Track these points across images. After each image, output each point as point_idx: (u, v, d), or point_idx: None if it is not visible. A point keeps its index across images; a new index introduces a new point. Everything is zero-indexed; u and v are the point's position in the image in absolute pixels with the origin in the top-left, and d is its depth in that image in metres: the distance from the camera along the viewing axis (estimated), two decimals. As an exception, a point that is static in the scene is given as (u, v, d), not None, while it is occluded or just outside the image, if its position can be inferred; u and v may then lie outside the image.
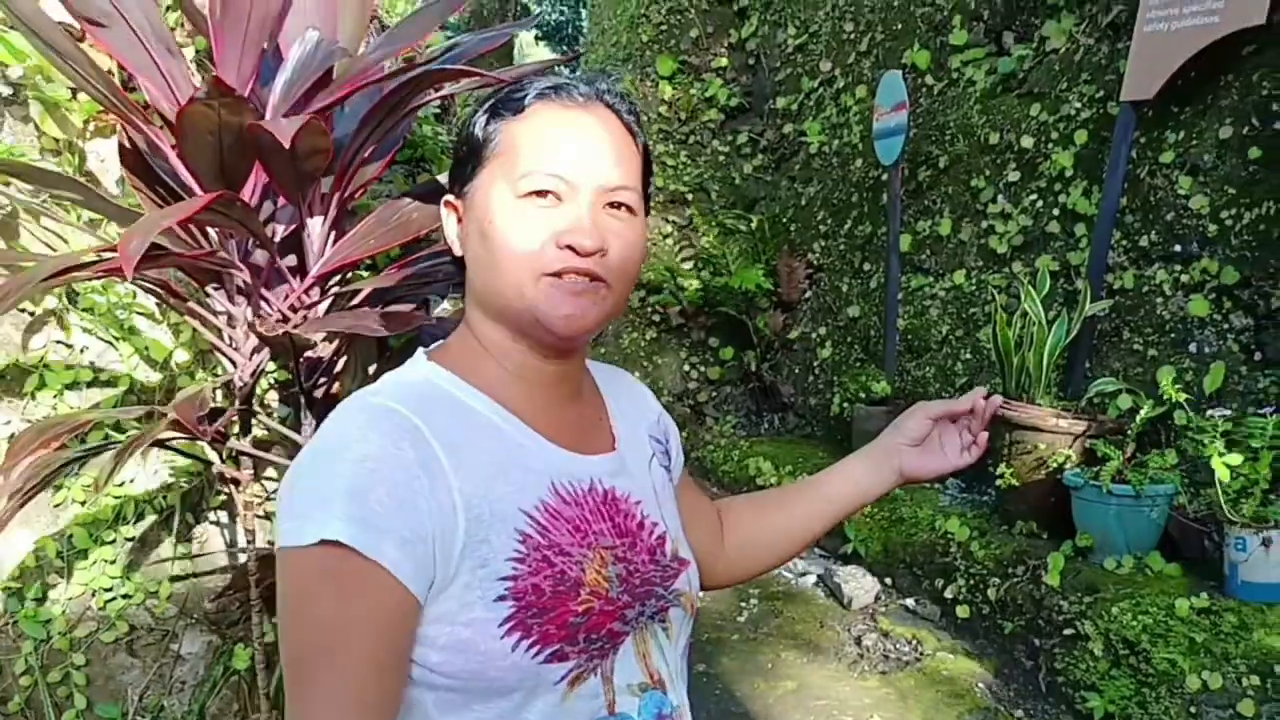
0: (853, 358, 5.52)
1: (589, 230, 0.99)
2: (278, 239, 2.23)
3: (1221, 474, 2.91)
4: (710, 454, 5.71)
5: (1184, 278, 3.65)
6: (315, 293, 2.23)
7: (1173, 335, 3.66)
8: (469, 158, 1.05)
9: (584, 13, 9.42)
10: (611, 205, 1.03)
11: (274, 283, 2.22)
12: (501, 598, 0.94)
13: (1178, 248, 3.71)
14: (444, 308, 2.54)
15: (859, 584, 3.87)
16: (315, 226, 2.18)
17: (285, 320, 2.15)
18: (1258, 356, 3.40)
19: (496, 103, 1.05)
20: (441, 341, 1.11)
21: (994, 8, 4.85)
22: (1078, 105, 4.22)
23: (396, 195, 2.58)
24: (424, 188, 2.34)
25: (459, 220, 1.07)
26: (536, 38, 17.76)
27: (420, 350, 1.08)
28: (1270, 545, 2.83)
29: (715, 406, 6.36)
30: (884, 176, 5.21)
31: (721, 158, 6.78)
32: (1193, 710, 2.69)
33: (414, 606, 0.92)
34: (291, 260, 2.22)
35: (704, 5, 7.00)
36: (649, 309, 6.31)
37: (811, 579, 4.05)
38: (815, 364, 5.82)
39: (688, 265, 6.46)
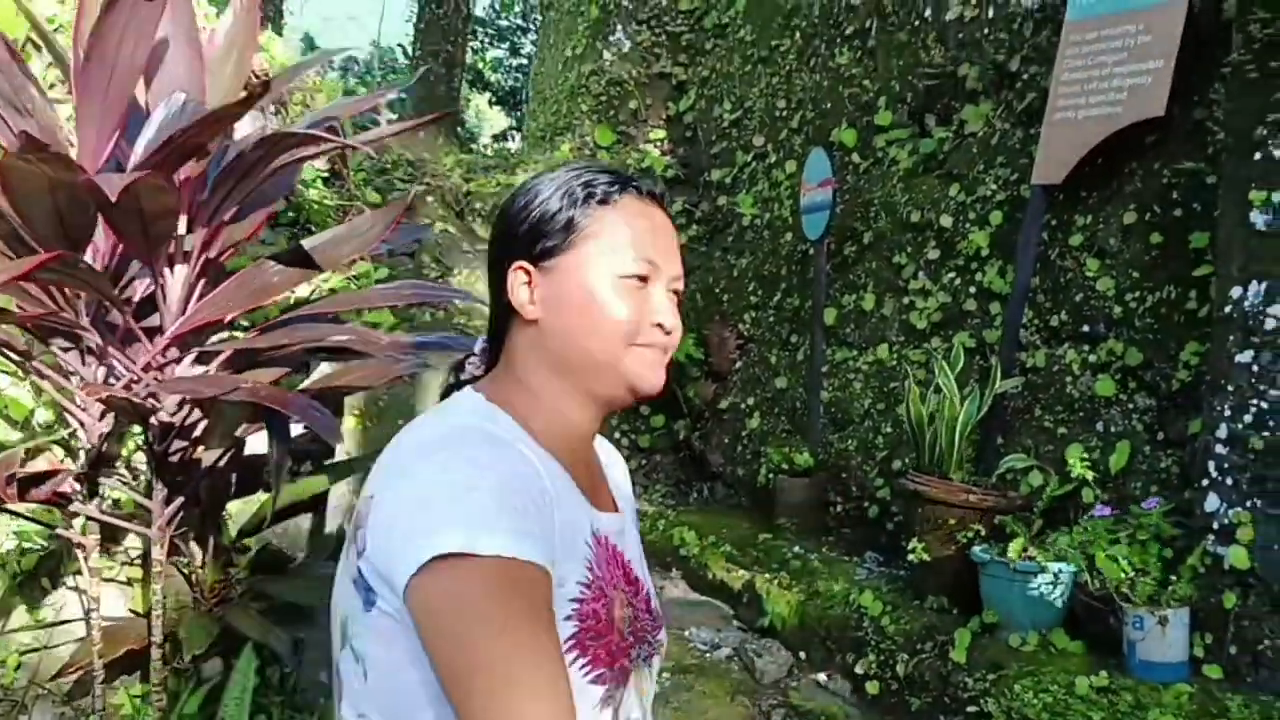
0: (779, 429, 5.54)
1: (672, 312, 1.16)
2: (137, 297, 2.20)
3: (1109, 571, 2.96)
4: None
5: (1092, 357, 3.73)
6: (174, 353, 2.19)
7: (1081, 414, 3.72)
8: (554, 234, 1.15)
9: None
10: (674, 291, 1.18)
11: (130, 343, 2.18)
12: (569, 617, 1.04)
13: (1086, 328, 3.80)
14: (323, 370, 2.50)
15: (773, 658, 3.84)
16: (173, 286, 2.15)
17: (136, 382, 2.11)
18: (1160, 436, 3.47)
19: (579, 190, 1.15)
20: (487, 379, 1.20)
21: (917, 91, 4.99)
22: (993, 187, 4.34)
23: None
24: (290, 253, 2.31)
25: (531, 286, 1.16)
26: (491, 102, 17.92)
27: (469, 389, 1.17)
28: (1166, 625, 2.86)
29: (645, 475, 6.34)
30: (811, 251, 5.30)
31: (657, 227, 6.84)
32: (1090, 791, 2.69)
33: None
34: (155, 320, 2.18)
35: (643, 79, 7.14)
36: (581, 375, 6.30)
37: (726, 651, 4.02)
38: (744, 434, 5.84)
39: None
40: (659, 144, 7.10)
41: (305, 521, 3.36)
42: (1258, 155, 2.98)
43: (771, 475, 5.00)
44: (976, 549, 3.38)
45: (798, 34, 5.97)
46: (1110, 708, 2.80)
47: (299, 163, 2.29)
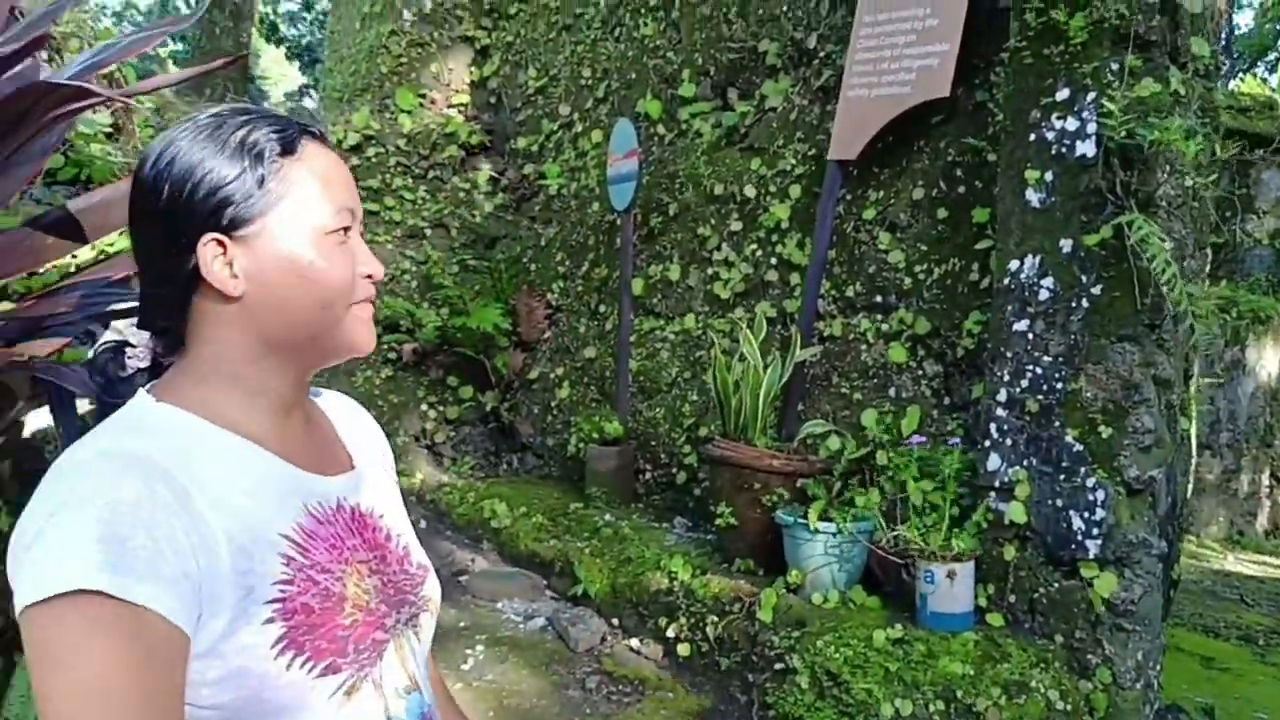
0: (589, 398, 5.57)
1: (375, 259, 1.11)
2: None
3: (914, 497, 3.14)
4: (446, 496, 5.60)
5: (885, 326, 3.92)
6: None
7: (875, 380, 3.91)
8: (242, 199, 1.04)
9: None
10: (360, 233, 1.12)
11: None
12: (270, 620, 0.96)
13: (879, 298, 3.99)
14: (112, 338, 2.33)
15: (586, 626, 3.88)
16: None
17: None
18: (946, 401, 3.69)
19: (266, 143, 1.05)
20: (157, 381, 1.09)
21: (719, 65, 5.07)
22: (793, 161, 4.47)
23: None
24: (58, 215, 2.10)
25: (226, 259, 1.04)
26: (288, 55, 17.09)
27: (141, 391, 1.07)
28: (954, 577, 3.06)
29: (454, 447, 6.25)
30: (618, 221, 5.33)
31: (462, 194, 6.72)
32: (887, 737, 2.86)
33: (185, 644, 0.92)
34: None
35: (445, 41, 6.96)
36: (384, 346, 6.13)
37: (540, 621, 4.03)
38: (554, 404, 5.84)
39: (425, 303, 6.34)
40: (462, 109, 6.94)
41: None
42: (1032, 136, 3.19)
43: (582, 445, 5.03)
44: (780, 512, 3.51)
45: (602, 3, 5.96)
46: (905, 658, 2.97)
47: (72, 114, 2.09)
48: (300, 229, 1.04)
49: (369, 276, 1.09)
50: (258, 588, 0.96)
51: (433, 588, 1.21)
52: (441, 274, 6.34)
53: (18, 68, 2.00)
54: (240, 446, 1.04)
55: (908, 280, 3.84)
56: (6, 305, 2.27)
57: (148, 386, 1.08)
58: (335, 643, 1.01)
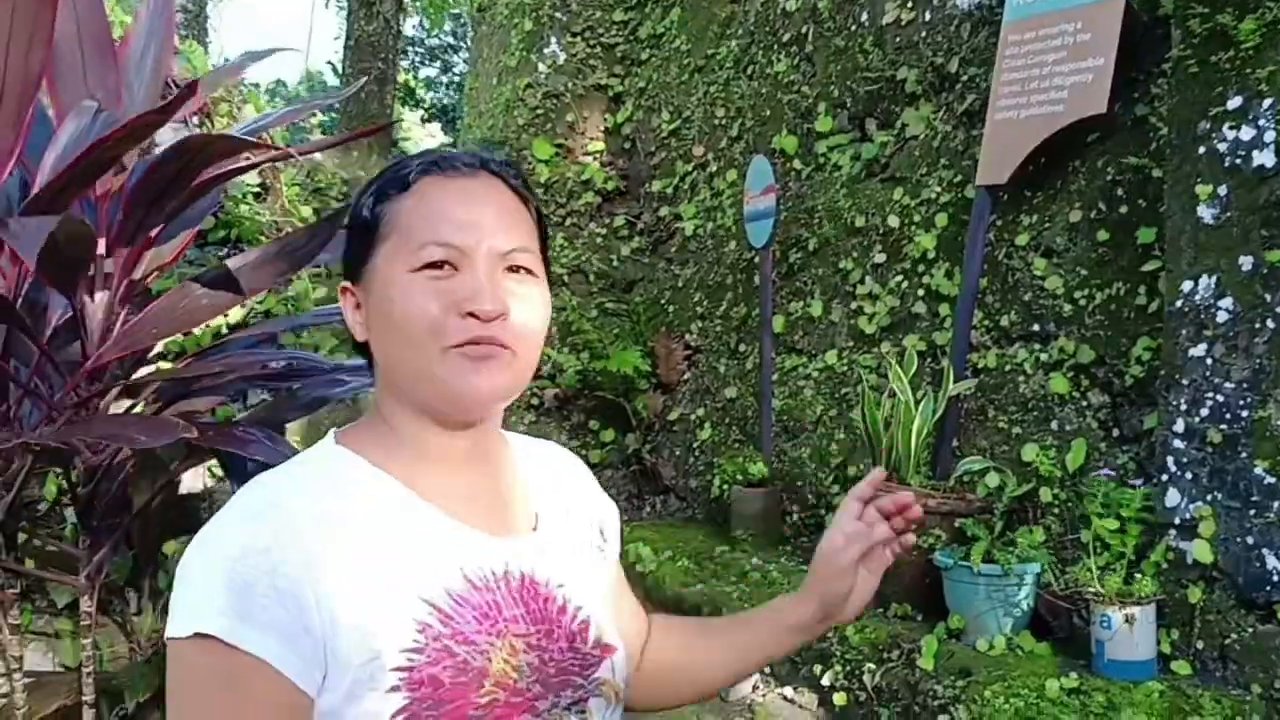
0: (731, 439, 5.49)
1: (489, 295, 0.97)
2: (53, 326, 2.04)
3: (1094, 535, 2.94)
4: (590, 540, 5.58)
5: (1043, 356, 3.72)
6: (97, 386, 2.04)
7: (1035, 413, 3.72)
8: (360, 241, 1.03)
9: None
10: (510, 269, 1.01)
11: (48, 376, 2.02)
12: (395, 688, 0.91)
13: (1036, 327, 3.80)
14: (265, 399, 2.38)
15: (737, 673, 3.78)
16: (94, 313, 1.99)
17: (53, 421, 1.95)
18: (1115, 433, 3.47)
19: (382, 183, 1.04)
20: (354, 422, 1.08)
21: (856, 96, 4.98)
22: (937, 189, 4.33)
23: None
24: (213, 273, 2.15)
25: (357, 306, 1.05)
26: (424, 119, 17.69)
27: (331, 431, 1.06)
28: (1133, 622, 2.84)
29: (596, 490, 6.24)
30: (756, 259, 5.26)
31: (599, 240, 6.78)
32: (1067, 795, 2.66)
33: (297, 699, 0.89)
34: (76, 350, 2.02)
35: (579, 91, 7.06)
36: (527, 392, 6.20)
37: (690, 669, 3.94)
38: (695, 445, 5.77)
39: (565, 348, 6.39)
40: (598, 156, 7.02)
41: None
42: (1202, 149, 2.99)
43: (726, 486, 4.94)
44: (939, 554, 3.35)
45: (734, 42, 5.95)
46: (1082, 709, 2.76)
47: (227, 176, 2.15)
48: (391, 267, 0.99)
49: (472, 314, 0.97)
50: (384, 653, 0.91)
51: (613, 669, 1.09)
52: (580, 319, 6.38)
53: (176, 129, 2.08)
54: (398, 497, 1.00)
55: (1067, 307, 3.65)
56: (165, 365, 2.35)
57: (344, 426, 1.07)
58: None
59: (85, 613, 2.15)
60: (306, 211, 5.15)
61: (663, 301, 6.34)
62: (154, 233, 2.04)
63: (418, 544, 0.98)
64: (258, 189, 3.95)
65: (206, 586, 0.88)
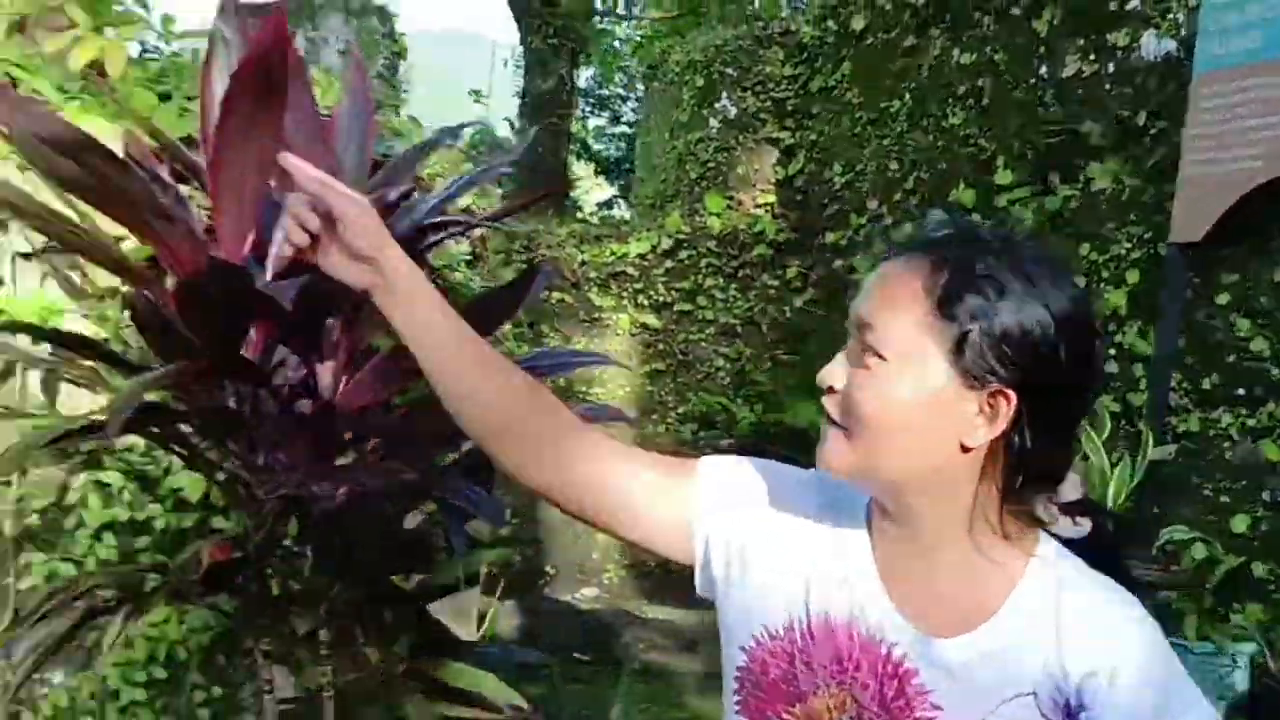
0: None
1: (830, 370, 1.01)
2: (289, 384, 2.26)
3: None
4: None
5: (1251, 422, 3.58)
6: (329, 439, 2.25)
7: (1245, 481, 3.57)
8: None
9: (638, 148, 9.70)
10: (863, 345, 0.99)
11: (287, 431, 2.23)
12: (745, 647, 1.07)
13: (1241, 390, 3.66)
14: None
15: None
16: (324, 372, 2.20)
17: (294, 470, 2.16)
18: (1334, 504, 3.31)
19: None
20: None
21: (1036, 149, 4.91)
22: (1127, 245, 4.23)
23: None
24: None
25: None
26: (596, 171, 17.93)
27: None
28: (1363, 713, 2.71)
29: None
30: (936, 313, 5.22)
31: (771, 291, 6.85)
32: None
33: None
34: (307, 405, 2.23)
35: (750, 144, 7.18)
36: (700, 443, 6.31)
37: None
38: (874, 499, 5.75)
39: (739, 399, 6.48)
40: (769, 208, 7.11)
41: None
42: None
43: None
44: (1143, 630, 3.25)
45: (908, 95, 5.95)
46: (1308, 805, 2.65)
47: (434, 246, 2.36)
48: None
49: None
50: (771, 615, 1.06)
51: None
52: (755, 369, 6.46)
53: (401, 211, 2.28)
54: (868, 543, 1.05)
55: (1275, 370, 3.50)
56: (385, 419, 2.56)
57: None
58: (760, 718, 1.07)
59: (322, 642, 2.38)
60: (508, 274, 5.40)
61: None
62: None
63: (849, 577, 1.04)
64: (468, 256, 4.20)
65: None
